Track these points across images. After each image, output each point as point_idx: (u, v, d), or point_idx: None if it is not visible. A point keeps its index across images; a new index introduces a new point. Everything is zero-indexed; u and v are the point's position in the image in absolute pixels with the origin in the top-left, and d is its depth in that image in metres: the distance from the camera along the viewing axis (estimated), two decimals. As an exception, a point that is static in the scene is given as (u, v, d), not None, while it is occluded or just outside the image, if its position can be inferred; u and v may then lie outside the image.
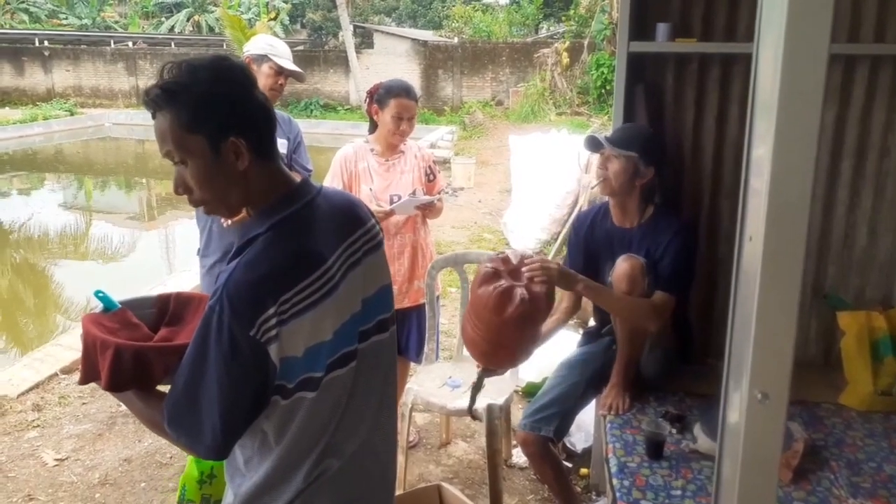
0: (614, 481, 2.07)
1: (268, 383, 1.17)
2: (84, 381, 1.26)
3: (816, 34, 0.87)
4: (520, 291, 2.04)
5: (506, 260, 2.15)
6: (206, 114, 1.17)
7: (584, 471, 3.14)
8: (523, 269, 2.12)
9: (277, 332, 1.14)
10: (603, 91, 15.32)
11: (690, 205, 2.78)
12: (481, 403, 2.77)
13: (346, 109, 18.22)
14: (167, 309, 1.44)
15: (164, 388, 1.25)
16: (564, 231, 6.03)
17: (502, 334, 2.11)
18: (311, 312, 1.18)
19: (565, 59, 15.92)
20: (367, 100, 2.99)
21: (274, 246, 1.19)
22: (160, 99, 1.18)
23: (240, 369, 1.14)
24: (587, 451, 3.16)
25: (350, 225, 1.33)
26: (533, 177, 6.86)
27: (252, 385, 1.16)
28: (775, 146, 0.92)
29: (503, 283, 2.06)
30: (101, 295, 1.33)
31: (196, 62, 1.21)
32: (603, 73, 15.18)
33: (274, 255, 1.18)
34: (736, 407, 1.05)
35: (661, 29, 2.54)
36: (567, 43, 16.16)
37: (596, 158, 2.53)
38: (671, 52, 2.62)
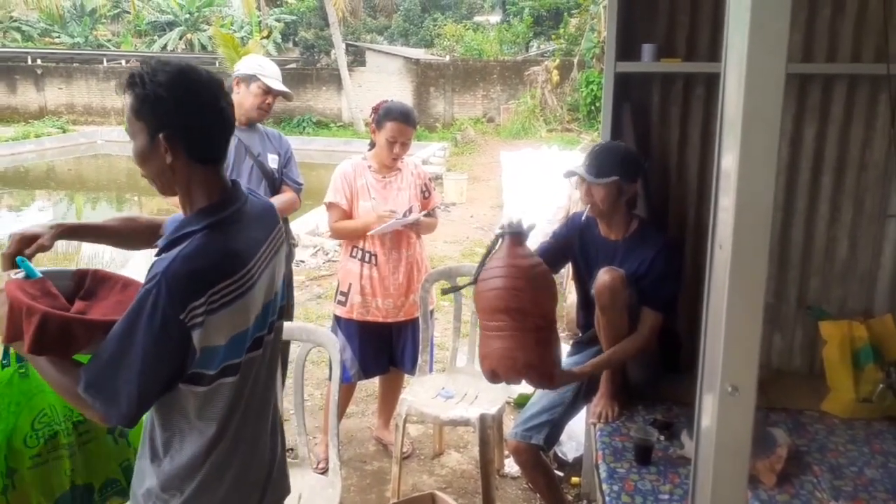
0: (604, 486, 2.12)
1: (184, 367, 1.33)
2: (7, 340, 1.38)
3: (774, 56, 0.95)
4: None
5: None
6: (150, 108, 1.35)
7: (575, 479, 3.19)
8: None
9: (203, 320, 1.30)
10: (593, 108, 15.51)
11: (676, 220, 2.86)
12: (473, 413, 2.83)
13: (339, 126, 18.35)
14: (83, 284, 1.56)
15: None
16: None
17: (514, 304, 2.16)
18: (233, 305, 1.35)
19: (555, 77, 16.13)
20: (371, 117, 3.08)
21: (208, 244, 1.35)
22: (126, 84, 1.37)
23: (164, 347, 1.28)
24: (578, 460, 3.21)
25: (267, 229, 1.52)
26: (524, 192, 6.96)
27: (171, 364, 1.31)
28: (740, 160, 1.00)
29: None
30: (23, 263, 1.43)
31: (164, 64, 1.37)
32: (592, 90, 15.39)
33: (208, 252, 1.34)
34: (710, 404, 1.13)
35: (647, 49, 2.63)
36: (557, 61, 16.38)
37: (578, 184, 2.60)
38: (657, 72, 2.71)
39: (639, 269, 2.43)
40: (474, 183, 10.95)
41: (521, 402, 3.66)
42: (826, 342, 2.62)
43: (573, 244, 2.63)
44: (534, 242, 2.50)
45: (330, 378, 3.13)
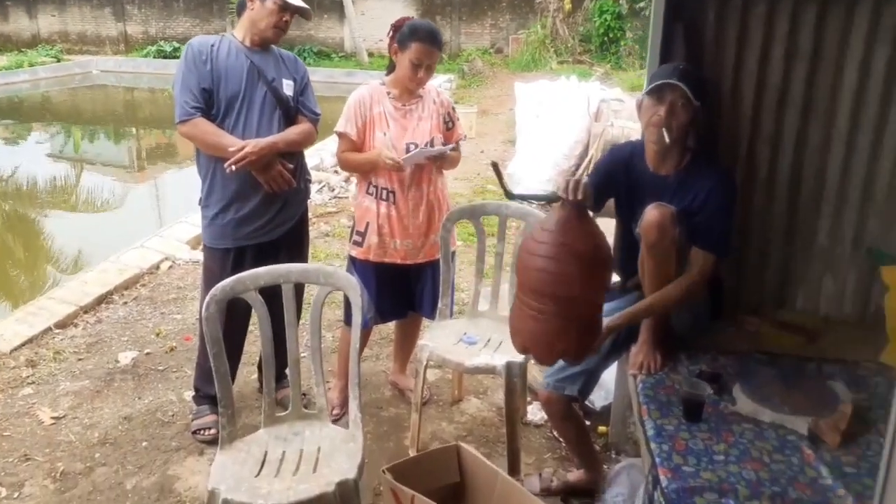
0: (652, 445, 1.94)
1: None
2: None
3: None
4: None
5: None
6: None
7: (602, 429, 3.03)
8: None
9: None
10: (606, 39, 14.94)
11: (727, 151, 2.60)
12: (500, 361, 2.63)
13: (341, 57, 17.73)
14: None
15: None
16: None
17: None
18: None
19: (567, 6, 15.46)
20: (390, 35, 2.78)
21: None
22: None
23: None
24: (606, 409, 3.04)
25: None
26: (539, 126, 6.64)
27: None
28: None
29: None
30: None
31: None
32: (606, 20, 14.80)
33: None
34: None
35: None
36: (569, -11, 15.69)
37: (639, 105, 2.30)
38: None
39: (692, 204, 2.19)
40: (483, 116, 10.58)
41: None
42: (888, 288, 2.40)
43: (618, 178, 2.37)
44: (554, 184, 2.20)
45: (349, 323, 2.95)
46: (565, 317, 1.91)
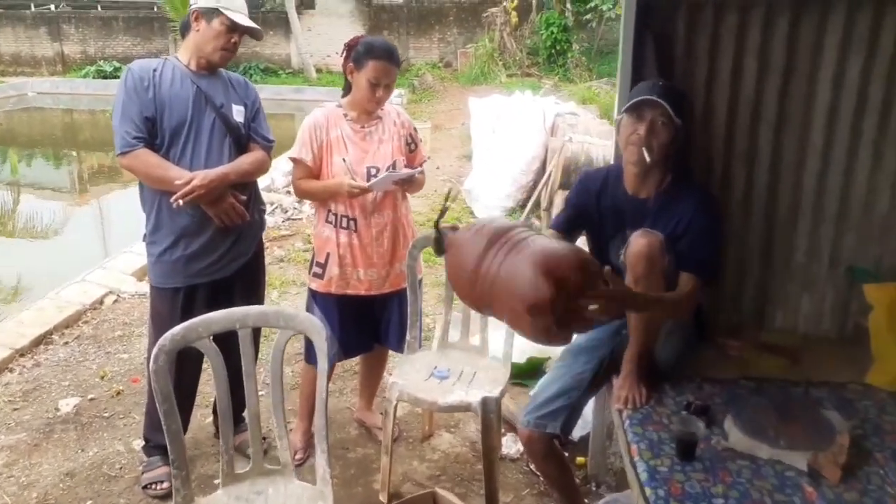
0: (647, 491, 1.81)
1: None
2: None
3: None
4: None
5: (509, 229, 1.75)
6: None
7: (580, 460, 2.90)
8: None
9: None
10: (553, 51, 14.98)
11: (701, 170, 2.51)
12: (475, 397, 2.48)
13: (288, 73, 17.41)
14: None
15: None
16: (533, 198, 5.75)
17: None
18: None
19: (514, 19, 15.49)
20: (344, 54, 2.61)
21: None
22: None
23: None
24: (584, 439, 2.91)
25: None
26: (495, 141, 6.54)
27: None
28: None
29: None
30: None
31: None
32: (553, 32, 14.84)
33: None
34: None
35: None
36: (515, 2, 15.69)
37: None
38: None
39: (675, 228, 2.08)
40: (437, 132, 10.44)
41: (531, 366, 3.33)
42: (872, 307, 2.33)
43: (589, 208, 2.25)
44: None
45: (310, 361, 2.77)
46: None
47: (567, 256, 1.60)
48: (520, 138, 6.22)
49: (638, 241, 1.97)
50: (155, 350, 1.88)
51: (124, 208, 8.02)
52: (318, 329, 1.96)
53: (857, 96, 2.39)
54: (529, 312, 1.54)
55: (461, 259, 1.70)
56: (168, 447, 1.91)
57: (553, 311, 1.52)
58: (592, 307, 1.58)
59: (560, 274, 1.54)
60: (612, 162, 2.57)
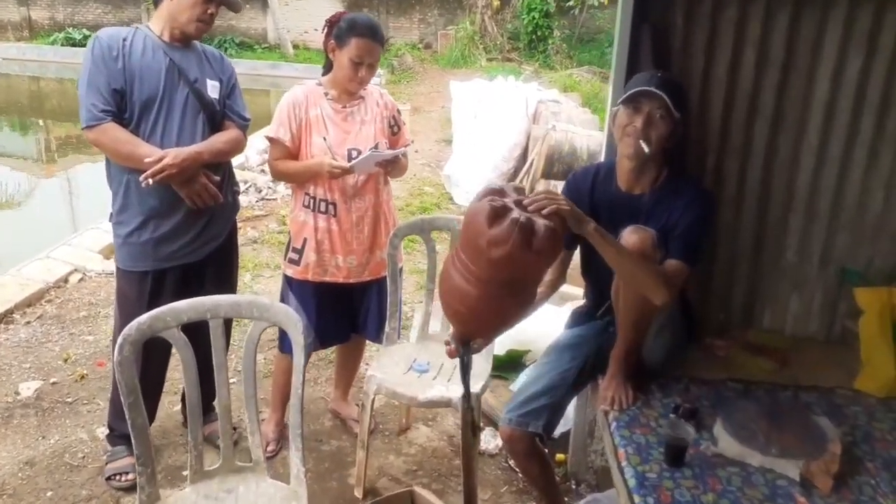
0: (636, 499, 1.75)
1: None
2: None
3: None
4: (542, 222, 1.61)
5: (502, 192, 1.72)
6: None
7: (560, 456, 2.84)
8: (526, 202, 1.67)
9: None
10: (534, 37, 14.86)
11: (694, 164, 2.45)
12: (455, 393, 2.40)
13: (264, 48, 17.05)
14: None
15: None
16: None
17: (519, 276, 1.68)
18: None
19: (495, 2, 15.32)
20: (325, 31, 2.49)
21: None
22: None
23: None
24: (564, 436, 2.85)
25: None
26: (476, 126, 6.43)
27: None
28: None
29: (518, 214, 1.60)
30: None
31: None
32: (534, 17, 14.70)
33: None
34: None
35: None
36: (498, -16, 15.55)
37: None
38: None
39: (668, 221, 2.00)
40: (416, 114, 10.29)
41: (510, 358, 3.26)
42: (864, 311, 2.29)
43: (583, 208, 2.16)
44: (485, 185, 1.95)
45: (284, 350, 2.68)
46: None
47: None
48: (502, 124, 6.13)
49: (630, 238, 1.90)
50: (120, 340, 1.77)
51: (93, 182, 7.76)
52: (293, 321, 1.85)
53: (856, 95, 2.34)
54: (489, 235, 1.58)
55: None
56: (133, 442, 1.80)
57: (502, 217, 1.58)
58: (550, 209, 1.65)
59: (491, 187, 1.70)
60: (599, 153, 2.49)
